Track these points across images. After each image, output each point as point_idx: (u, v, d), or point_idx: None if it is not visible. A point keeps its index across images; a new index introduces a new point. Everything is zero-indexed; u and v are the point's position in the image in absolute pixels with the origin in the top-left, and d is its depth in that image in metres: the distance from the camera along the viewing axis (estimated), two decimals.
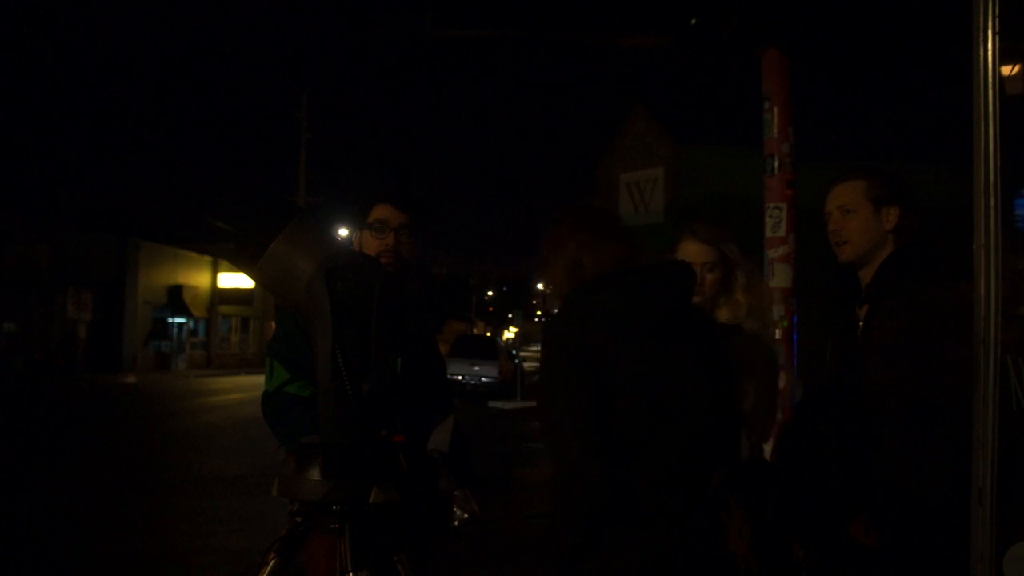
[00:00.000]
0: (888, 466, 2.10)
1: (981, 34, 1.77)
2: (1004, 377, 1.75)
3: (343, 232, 16.70)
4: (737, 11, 3.40)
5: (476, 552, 5.19)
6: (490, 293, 76.61)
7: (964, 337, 1.83)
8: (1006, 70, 1.79)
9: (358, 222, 2.57)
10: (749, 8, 3.41)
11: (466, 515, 2.51)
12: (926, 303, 2.13)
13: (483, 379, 22.97)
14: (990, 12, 1.76)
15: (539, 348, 2.16)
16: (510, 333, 63.23)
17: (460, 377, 22.18)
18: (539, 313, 67.40)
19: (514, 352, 28.40)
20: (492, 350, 24.76)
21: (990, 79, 1.76)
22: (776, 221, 3.60)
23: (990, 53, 1.76)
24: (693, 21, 3.39)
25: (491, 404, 20.13)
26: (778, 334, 3.51)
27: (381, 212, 2.52)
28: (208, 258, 37.33)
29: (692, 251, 2.66)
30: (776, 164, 3.59)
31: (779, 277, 3.57)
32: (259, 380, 2.55)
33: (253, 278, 1.80)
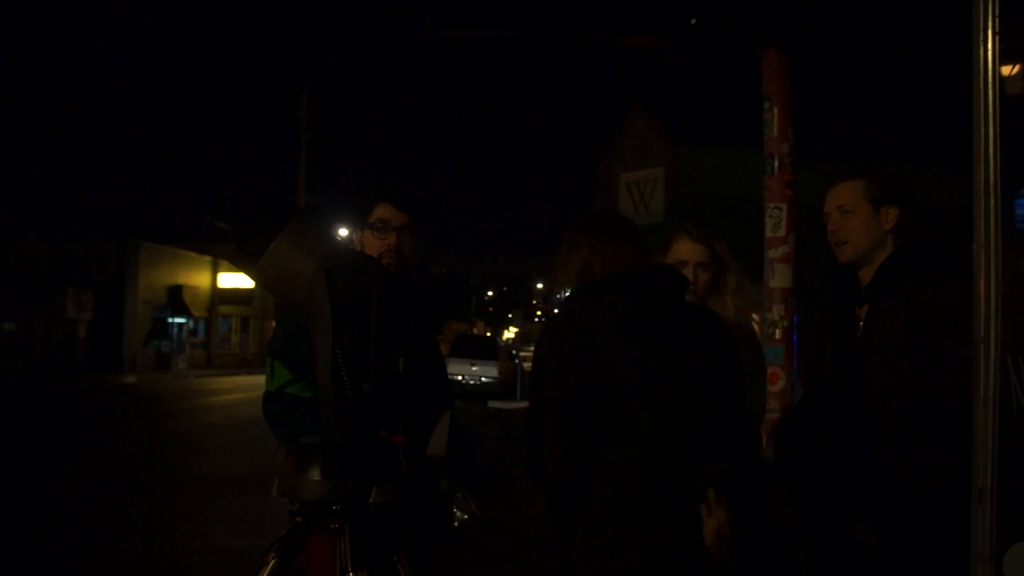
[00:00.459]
0: (888, 466, 2.09)
1: (981, 34, 1.77)
2: (1004, 377, 1.75)
3: (343, 232, 16.70)
4: (737, 11, 3.40)
5: (476, 552, 5.19)
6: (490, 293, 76.60)
7: (964, 337, 1.83)
8: (1006, 70, 1.79)
9: (359, 222, 2.57)
10: (749, 8, 3.41)
11: (466, 516, 2.52)
12: (926, 303, 2.13)
13: (483, 379, 22.96)
14: (990, 12, 1.76)
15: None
16: (510, 333, 63.22)
17: (460, 377, 22.18)
18: (539, 313, 67.39)
19: (514, 352, 28.43)
20: (492, 350, 24.76)
21: (990, 79, 1.76)
22: (776, 221, 3.60)
23: (990, 53, 1.76)
24: (693, 21, 3.39)
25: (491, 404, 20.14)
26: (778, 334, 3.51)
27: (383, 212, 2.51)
28: (208, 258, 37.32)
29: (686, 250, 2.66)
30: (776, 164, 3.59)
31: (779, 277, 3.57)
32: (259, 380, 2.55)
33: (253, 278, 1.80)
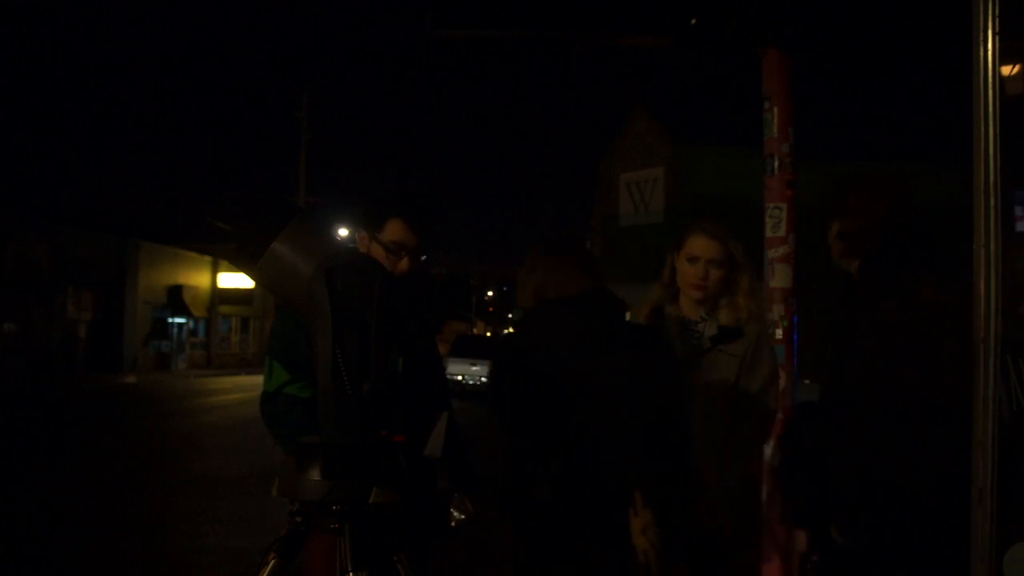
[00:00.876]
0: (888, 466, 2.09)
1: (981, 34, 1.77)
2: (1004, 377, 1.75)
3: (343, 232, 16.69)
4: (737, 11, 3.39)
5: (476, 552, 5.19)
6: (490, 293, 76.59)
7: (961, 334, 1.83)
8: (1006, 70, 1.80)
9: (368, 229, 2.49)
10: (749, 8, 3.41)
11: (463, 516, 2.52)
12: (924, 301, 2.12)
13: (483, 379, 22.93)
14: (990, 12, 1.76)
15: None
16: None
17: (460, 377, 22.16)
18: None
19: None
20: (492, 350, 24.69)
21: (990, 79, 1.76)
22: (776, 221, 3.59)
23: (990, 53, 1.76)
24: (693, 21, 3.39)
25: None
26: (778, 334, 3.51)
27: (396, 232, 2.44)
28: (208, 258, 37.32)
29: (699, 246, 2.67)
30: (776, 164, 3.59)
31: (779, 277, 3.56)
32: (259, 380, 2.54)
33: (253, 278, 1.80)
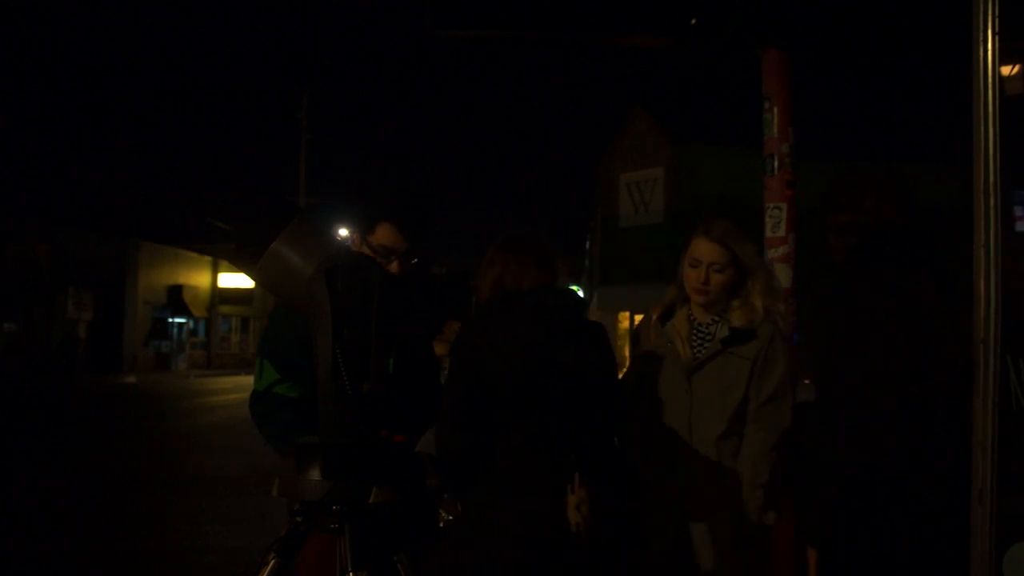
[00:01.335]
0: (885, 465, 2.09)
1: (981, 34, 1.77)
2: (1004, 377, 1.75)
3: (343, 232, 16.70)
4: (737, 11, 3.39)
5: (463, 554, 5.18)
6: None
7: (960, 333, 1.83)
8: (1006, 70, 1.80)
9: (360, 231, 2.47)
10: (749, 8, 3.41)
11: (450, 516, 2.53)
12: (922, 300, 2.11)
13: None
14: (990, 12, 1.76)
15: None
16: None
17: None
18: None
19: None
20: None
21: (990, 79, 1.76)
22: (776, 221, 3.60)
23: (990, 53, 1.76)
24: (693, 21, 3.39)
25: None
26: None
27: (386, 236, 2.40)
28: (208, 258, 37.34)
29: (701, 250, 2.61)
30: (776, 164, 3.59)
31: (779, 277, 3.56)
32: None
33: (253, 278, 1.80)
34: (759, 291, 2.58)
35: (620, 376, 2.70)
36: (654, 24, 3.48)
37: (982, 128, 1.76)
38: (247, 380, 26.65)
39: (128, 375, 28.87)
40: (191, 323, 36.99)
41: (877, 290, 2.18)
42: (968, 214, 1.79)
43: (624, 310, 20.71)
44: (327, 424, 1.69)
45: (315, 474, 1.69)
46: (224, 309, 38.41)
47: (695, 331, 2.66)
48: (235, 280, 36.57)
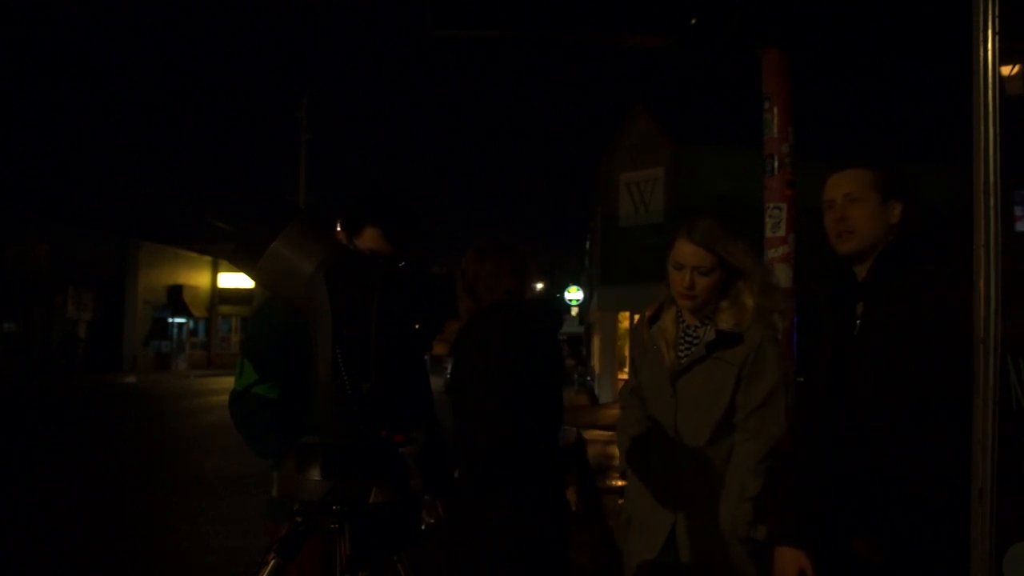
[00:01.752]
0: (889, 468, 2.09)
1: (981, 34, 1.77)
2: (1004, 377, 1.75)
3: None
4: (737, 11, 3.39)
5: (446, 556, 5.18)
6: None
7: (965, 331, 1.82)
8: (1006, 70, 1.79)
9: (345, 230, 2.43)
10: (749, 8, 3.41)
11: (432, 520, 2.54)
12: (930, 297, 2.10)
13: None
14: (990, 12, 1.76)
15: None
16: None
17: None
18: None
19: None
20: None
21: (990, 79, 1.76)
22: (776, 221, 3.60)
23: (990, 53, 1.76)
24: (693, 21, 3.39)
25: None
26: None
27: (374, 240, 2.38)
28: (208, 258, 37.34)
29: (684, 252, 2.49)
30: (776, 164, 3.59)
31: (779, 277, 3.56)
32: None
33: (253, 278, 1.80)
34: (751, 291, 2.46)
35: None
36: (654, 24, 3.48)
37: (982, 128, 1.76)
38: None
39: (128, 375, 28.87)
40: (191, 323, 36.99)
41: (906, 295, 2.16)
42: (968, 214, 1.79)
43: (624, 310, 20.70)
44: (327, 424, 1.69)
45: (315, 474, 1.70)
46: (224, 309, 38.41)
47: (683, 334, 2.56)
48: (235, 280, 36.57)
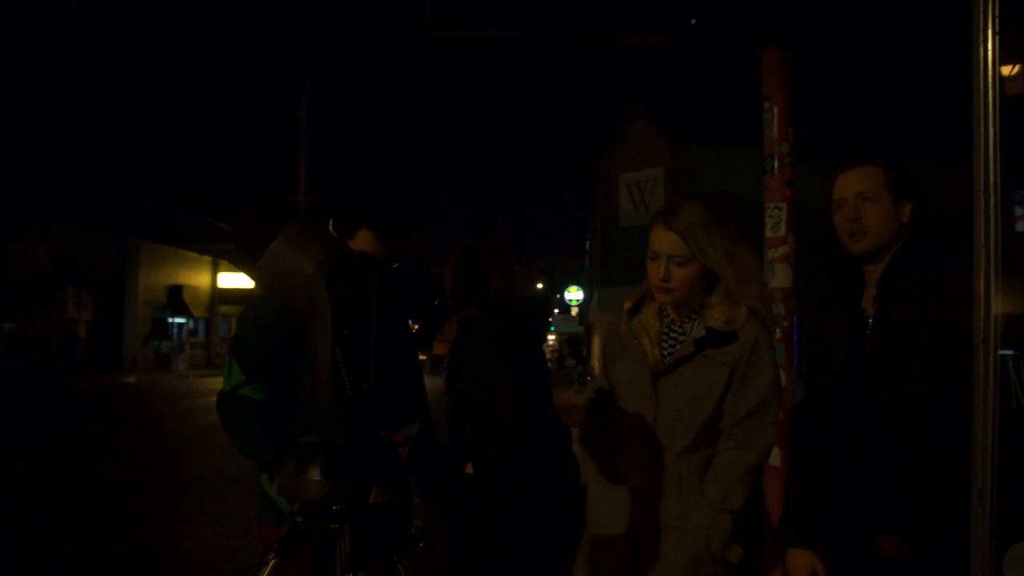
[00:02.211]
0: (914, 467, 2.06)
1: (981, 34, 1.77)
2: (1004, 377, 1.75)
3: None
4: (737, 11, 3.39)
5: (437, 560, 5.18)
6: None
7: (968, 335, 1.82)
8: (1006, 70, 1.79)
9: (338, 231, 2.39)
10: (749, 8, 3.41)
11: (421, 523, 2.54)
12: (945, 299, 2.08)
13: None
14: (990, 12, 1.76)
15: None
16: None
17: None
18: None
19: None
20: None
21: (990, 79, 1.76)
22: (776, 221, 3.60)
23: (990, 53, 1.76)
24: (693, 21, 3.39)
25: None
26: (778, 334, 3.50)
27: (368, 243, 2.36)
28: (208, 258, 37.34)
29: (658, 240, 2.26)
30: (776, 164, 3.59)
31: (779, 277, 3.56)
32: None
33: (253, 278, 1.80)
34: (742, 280, 2.22)
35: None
36: (654, 24, 3.48)
37: (982, 128, 1.76)
38: None
39: (128, 375, 28.86)
40: (191, 323, 36.98)
41: (915, 296, 2.14)
42: (968, 214, 1.79)
43: None
44: (327, 424, 1.69)
45: (315, 474, 1.70)
46: (224, 309, 38.40)
47: (667, 329, 2.32)
48: (235, 280, 36.57)
